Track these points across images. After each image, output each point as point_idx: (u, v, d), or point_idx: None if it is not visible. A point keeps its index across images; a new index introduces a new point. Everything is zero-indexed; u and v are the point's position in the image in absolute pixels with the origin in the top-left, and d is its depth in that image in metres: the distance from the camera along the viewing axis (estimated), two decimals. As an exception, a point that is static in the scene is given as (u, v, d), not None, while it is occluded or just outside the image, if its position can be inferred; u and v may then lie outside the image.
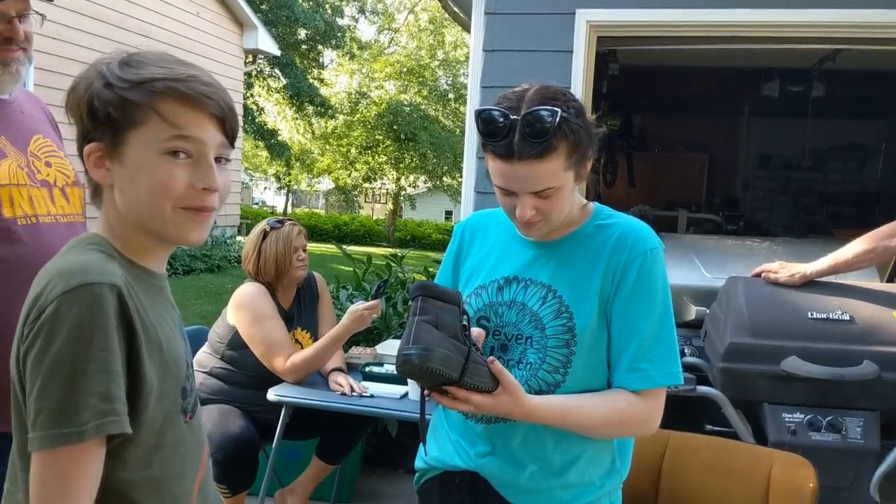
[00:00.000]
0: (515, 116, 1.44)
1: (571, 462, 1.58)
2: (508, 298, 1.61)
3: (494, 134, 1.45)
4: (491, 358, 1.45)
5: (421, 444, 1.67)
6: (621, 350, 1.54)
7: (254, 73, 17.97)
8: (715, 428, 2.72)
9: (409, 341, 1.38)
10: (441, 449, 1.71)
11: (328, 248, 17.18)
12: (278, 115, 24.25)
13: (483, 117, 1.47)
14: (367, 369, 2.96)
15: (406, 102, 24.05)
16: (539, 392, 1.55)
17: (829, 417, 2.33)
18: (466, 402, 1.44)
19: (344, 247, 5.54)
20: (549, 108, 1.43)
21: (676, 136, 7.29)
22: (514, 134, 1.43)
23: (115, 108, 1.07)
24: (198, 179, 1.10)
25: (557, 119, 1.42)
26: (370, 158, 24.84)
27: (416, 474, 1.78)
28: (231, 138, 1.14)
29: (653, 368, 1.52)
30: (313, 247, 15.22)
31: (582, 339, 1.53)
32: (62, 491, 1.00)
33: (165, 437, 1.13)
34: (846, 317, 2.37)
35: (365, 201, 35.63)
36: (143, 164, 1.08)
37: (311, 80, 20.84)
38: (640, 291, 1.53)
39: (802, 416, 2.34)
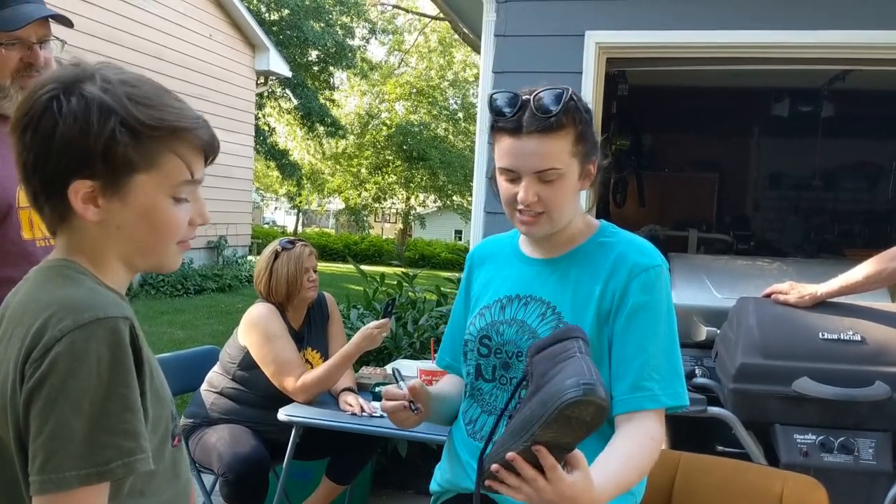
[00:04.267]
0: (527, 97, 1.50)
1: None
2: (510, 316, 1.62)
3: (505, 111, 1.51)
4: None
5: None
6: (624, 369, 1.52)
7: (265, 93, 18.11)
8: (726, 449, 2.71)
9: (590, 372, 1.18)
10: (453, 471, 1.71)
11: (339, 267, 17.24)
12: (289, 136, 24.40)
13: (495, 96, 1.53)
14: (378, 389, 2.96)
15: (416, 122, 24.18)
16: None
17: (841, 439, 2.31)
18: (534, 480, 1.21)
19: (358, 266, 5.56)
20: (559, 89, 1.49)
21: (686, 156, 7.30)
22: (524, 111, 1.49)
23: (134, 152, 1.03)
24: (195, 215, 1.13)
25: (567, 96, 1.48)
26: (380, 178, 24.94)
27: (432, 497, 1.78)
28: None
29: (659, 388, 1.50)
30: (324, 266, 15.28)
31: None
32: None
33: (158, 464, 1.09)
34: (857, 337, 2.36)
35: (375, 221, 35.72)
36: (152, 206, 1.07)
37: (322, 100, 20.98)
38: (643, 310, 1.52)
39: (814, 437, 2.33)
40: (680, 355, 1.56)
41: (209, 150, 1.11)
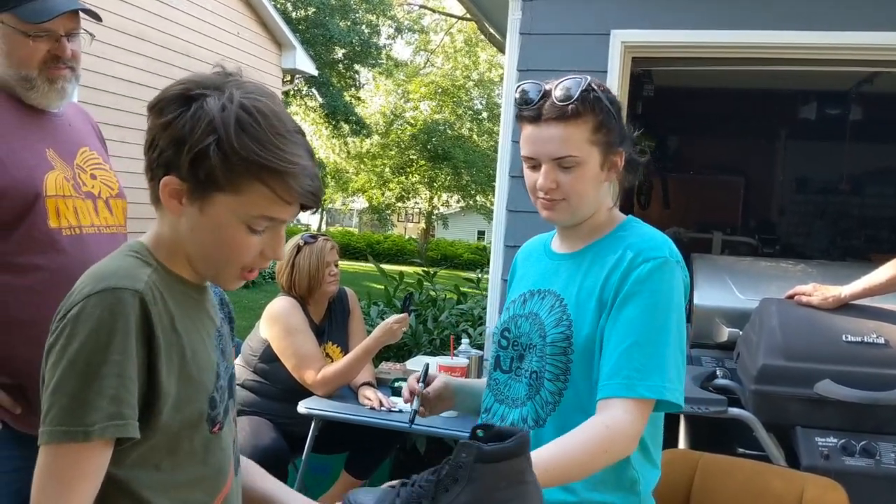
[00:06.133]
0: (550, 87, 1.54)
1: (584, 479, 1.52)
2: (528, 310, 1.65)
3: (529, 101, 1.55)
4: None
5: None
6: (608, 357, 1.49)
7: (291, 92, 18.20)
8: (746, 451, 2.69)
9: None
10: None
11: (361, 266, 17.29)
12: (314, 134, 24.52)
13: (521, 87, 1.57)
14: (397, 384, 2.97)
15: (441, 122, 24.22)
16: (544, 403, 1.56)
17: (863, 442, 2.28)
18: None
19: (374, 265, 5.59)
20: (580, 78, 1.53)
21: (712, 158, 7.24)
22: (546, 100, 1.53)
23: (220, 173, 1.07)
24: (268, 248, 1.15)
25: (585, 85, 1.51)
26: (404, 178, 25.00)
27: None
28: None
29: (637, 377, 1.45)
30: (346, 265, 15.32)
31: (578, 347, 1.53)
32: (60, 487, 1.01)
33: (181, 443, 1.13)
34: (881, 340, 2.33)
35: (398, 220, 35.79)
36: (223, 224, 1.10)
37: (347, 98, 21.04)
38: (634, 299, 1.50)
39: (836, 440, 2.30)
40: (674, 350, 1.49)
41: (303, 200, 1.12)
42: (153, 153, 1.10)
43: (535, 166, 1.57)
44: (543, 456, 1.37)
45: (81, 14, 1.81)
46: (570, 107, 1.50)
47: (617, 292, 1.52)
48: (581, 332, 1.54)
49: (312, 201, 1.13)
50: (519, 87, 1.58)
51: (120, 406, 1.02)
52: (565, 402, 1.55)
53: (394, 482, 1.37)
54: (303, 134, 1.14)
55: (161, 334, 1.07)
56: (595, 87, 1.53)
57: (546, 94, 1.53)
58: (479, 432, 1.25)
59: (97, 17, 1.85)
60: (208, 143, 1.05)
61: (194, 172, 1.07)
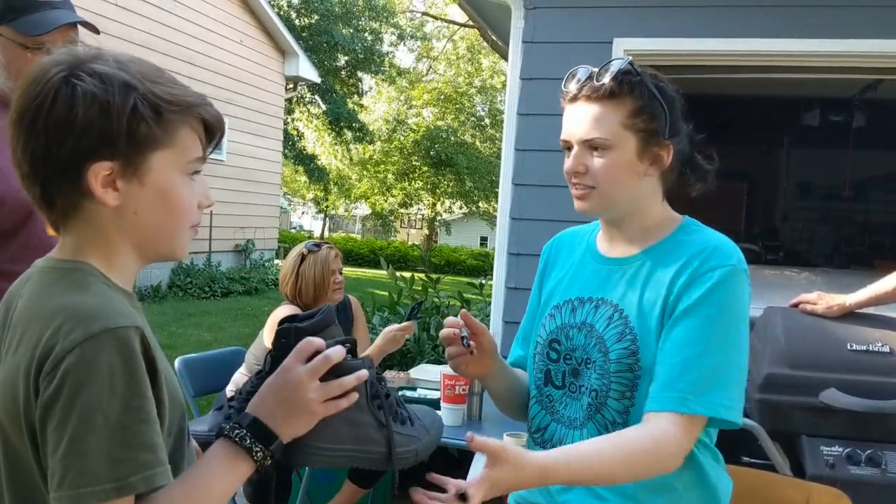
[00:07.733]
0: (595, 70, 1.47)
1: (658, 494, 1.44)
2: (580, 320, 1.52)
3: (576, 81, 1.48)
4: (469, 434, 1.24)
5: None
6: (662, 368, 1.39)
7: (294, 99, 18.26)
8: (752, 460, 2.68)
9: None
10: None
11: (364, 272, 17.31)
12: (317, 141, 24.57)
13: (574, 72, 1.49)
14: (400, 393, 2.97)
15: (443, 128, 24.28)
16: (608, 423, 1.45)
17: (869, 451, 2.28)
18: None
19: (383, 269, 5.61)
20: (623, 59, 1.45)
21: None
22: (589, 81, 1.45)
23: (156, 127, 0.99)
24: (202, 197, 1.09)
25: (624, 65, 1.43)
26: (407, 184, 25.04)
27: None
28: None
29: (691, 392, 1.34)
30: (349, 271, 15.34)
31: (646, 363, 1.41)
32: None
33: (180, 467, 1.06)
34: (886, 349, 2.33)
35: (401, 226, 35.82)
36: (169, 186, 1.03)
37: (350, 105, 21.10)
38: (696, 309, 1.39)
39: (841, 449, 2.29)
40: (736, 365, 1.41)
41: (217, 126, 1.08)
42: (56, 158, 0.97)
43: (569, 149, 1.49)
44: (577, 453, 1.33)
45: (80, 27, 1.81)
46: (603, 85, 1.42)
47: (682, 297, 1.40)
48: (649, 346, 1.42)
49: (223, 125, 1.09)
50: (572, 71, 1.50)
51: (155, 452, 0.94)
52: (633, 422, 1.43)
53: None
54: None
55: (160, 366, 1.00)
56: (638, 71, 1.44)
57: (591, 76, 1.45)
58: (287, 324, 1.31)
59: (95, 30, 1.85)
60: (134, 101, 0.97)
61: (131, 140, 0.98)
